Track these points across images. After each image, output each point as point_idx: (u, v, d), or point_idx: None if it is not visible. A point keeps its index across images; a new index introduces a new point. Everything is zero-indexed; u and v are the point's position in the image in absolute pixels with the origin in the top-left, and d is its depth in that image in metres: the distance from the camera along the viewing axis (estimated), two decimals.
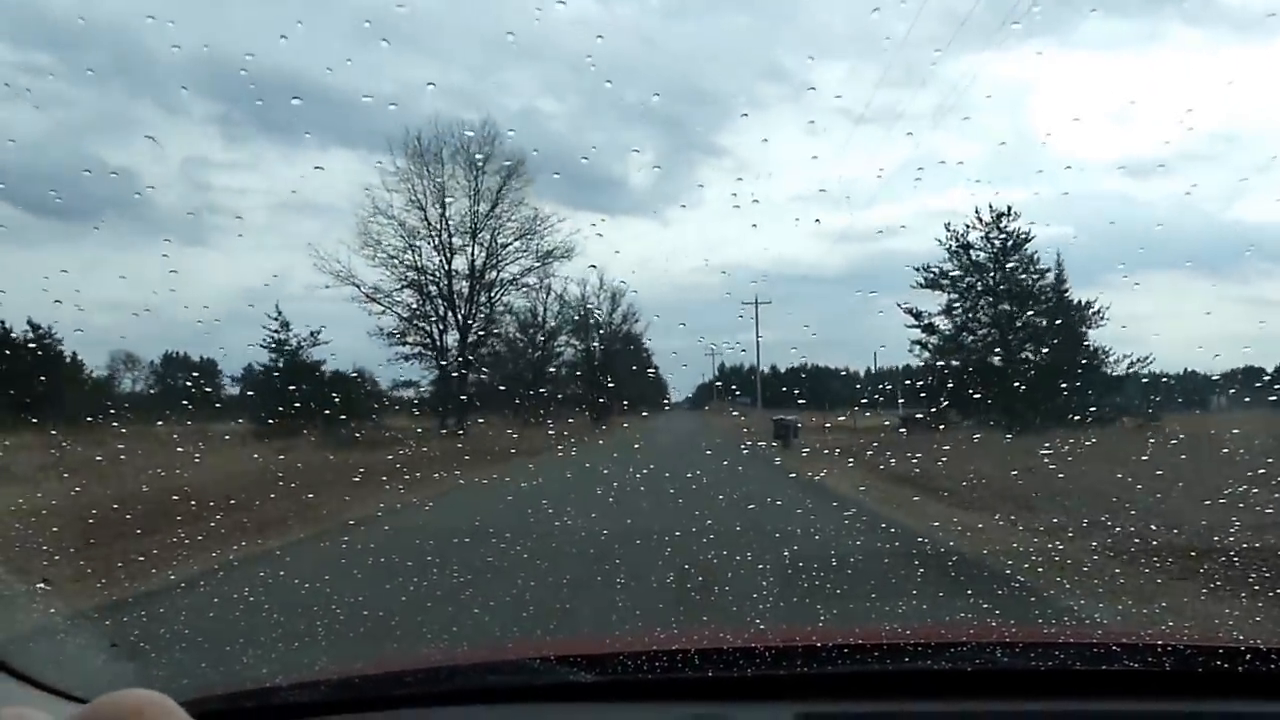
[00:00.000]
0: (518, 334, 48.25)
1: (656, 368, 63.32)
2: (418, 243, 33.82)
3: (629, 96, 61.34)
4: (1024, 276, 33.39)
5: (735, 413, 62.04)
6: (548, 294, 50.73)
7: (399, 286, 33.88)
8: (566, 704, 1.65)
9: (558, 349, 52.01)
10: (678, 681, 1.65)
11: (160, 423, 22.88)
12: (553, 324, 51.61)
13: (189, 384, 32.95)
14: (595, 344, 58.65)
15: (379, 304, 33.50)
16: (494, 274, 35.24)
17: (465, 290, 34.67)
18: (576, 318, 56.44)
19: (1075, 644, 1.76)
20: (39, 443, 17.02)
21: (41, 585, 5.80)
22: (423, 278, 33.96)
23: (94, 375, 34.18)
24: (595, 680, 1.64)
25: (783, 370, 66.46)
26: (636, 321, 59.01)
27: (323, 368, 29.84)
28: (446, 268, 34.12)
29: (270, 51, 32.18)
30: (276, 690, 1.66)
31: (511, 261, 35.44)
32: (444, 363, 34.59)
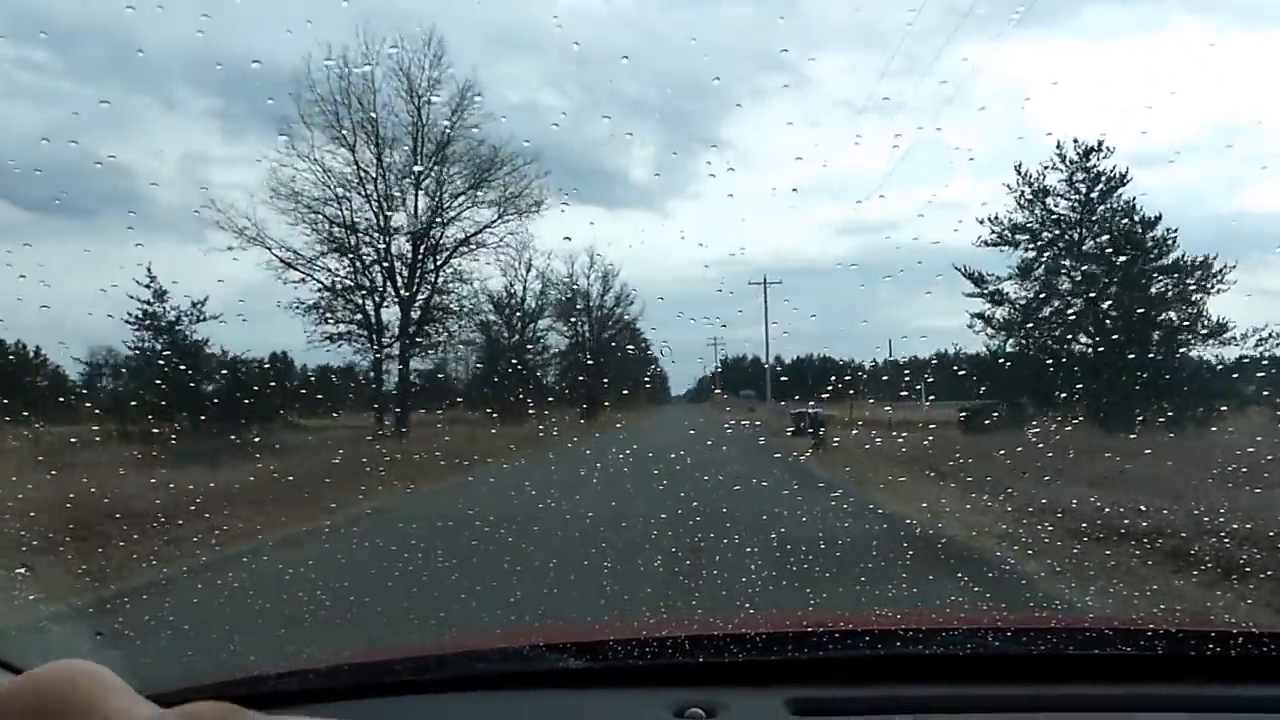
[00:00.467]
0: (492, 314, 41.21)
1: (656, 358, 57.09)
2: (347, 193, 26.55)
3: (629, 89, 59.24)
4: (1122, 229, 26.07)
5: (743, 406, 55.88)
6: (527, 269, 43.80)
7: (323, 251, 26.60)
8: (556, 690, 1.61)
9: (539, 333, 44.80)
10: (668, 667, 1.63)
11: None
12: (533, 304, 44.49)
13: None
14: (584, 329, 51.75)
15: (297, 270, 26.26)
16: (444, 232, 27.87)
17: (408, 254, 27.33)
18: (563, 299, 49.53)
19: (1067, 628, 1.75)
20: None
21: (21, 571, 5.56)
22: (353, 237, 26.64)
23: (58, 370, 27.52)
24: (585, 666, 1.62)
25: (788, 361, 62.81)
26: (631, 304, 52.02)
27: (207, 349, 22.64)
28: (382, 223, 26.82)
29: (270, 47, 25.62)
30: (265, 678, 1.64)
31: (463, 216, 28.07)
32: (382, 345, 27.28)
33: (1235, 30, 51.75)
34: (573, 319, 50.98)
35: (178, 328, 22.30)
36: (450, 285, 28.08)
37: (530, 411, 37.28)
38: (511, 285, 43.41)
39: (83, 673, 0.51)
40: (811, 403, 35.42)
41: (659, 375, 56.29)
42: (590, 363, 50.48)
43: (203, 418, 21.58)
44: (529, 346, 44.59)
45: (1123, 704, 1.54)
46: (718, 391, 67.91)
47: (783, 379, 56.46)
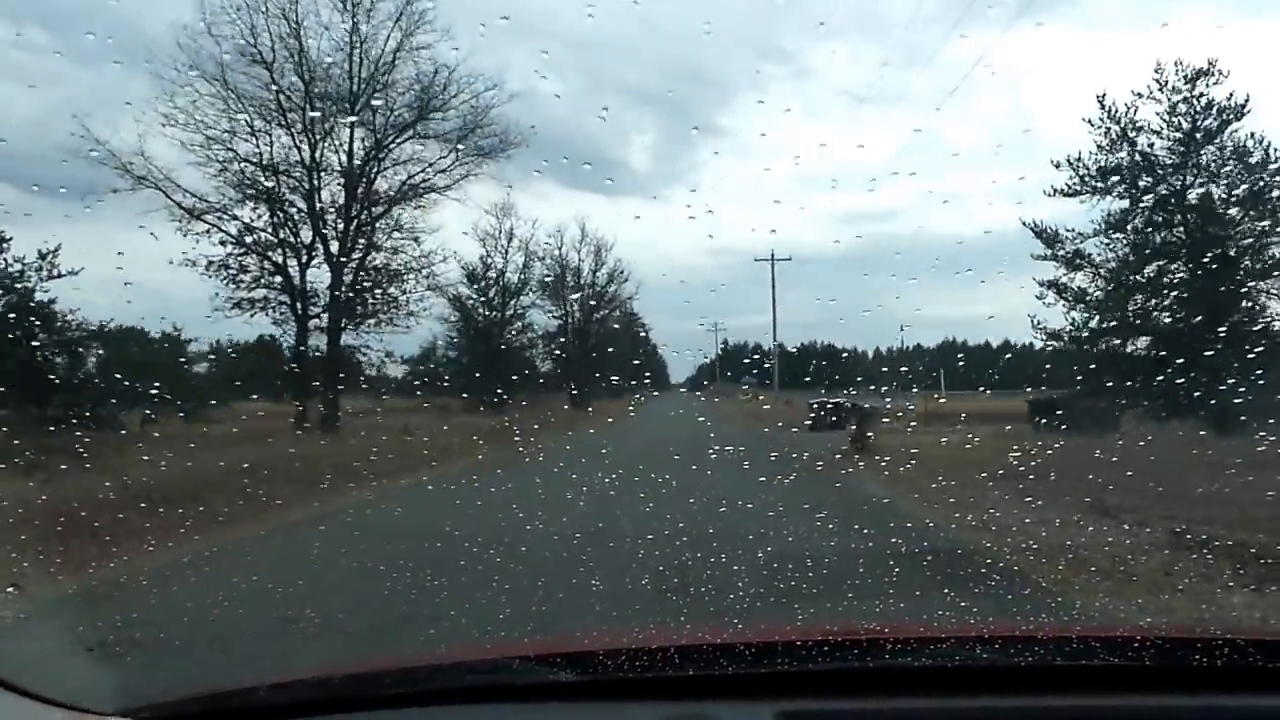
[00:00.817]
0: (465, 286, 35.87)
1: (652, 343, 52.03)
2: (266, 124, 21.11)
3: (630, 77, 58.95)
4: (1241, 171, 20.62)
5: (747, 396, 50.97)
6: (508, 239, 38.47)
7: (236, 198, 21.16)
8: (546, 703, 1.61)
9: (521, 309, 39.31)
10: (657, 680, 1.63)
11: None
12: (516, 279, 39.11)
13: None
14: (573, 308, 46.39)
15: (204, 221, 20.85)
16: (386, 174, 22.38)
17: (341, 200, 21.83)
18: (550, 275, 44.21)
19: (1054, 639, 1.73)
20: None
21: (11, 590, 5.28)
22: (273, 179, 21.20)
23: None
24: (575, 679, 1.62)
25: (790, 349, 60.61)
26: (625, 281, 46.71)
27: (59, 313, 17.20)
28: (309, 162, 21.34)
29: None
30: (256, 691, 1.63)
31: (409, 155, 22.57)
32: (307, 313, 21.82)
33: (1238, 20, 51.02)
34: (561, 296, 45.80)
35: (19, 285, 16.90)
36: (395, 241, 22.62)
37: (507, 400, 32.00)
38: (489, 255, 38.22)
39: None
40: (845, 393, 30.09)
41: (656, 361, 51.18)
42: (579, 346, 45.25)
43: (45, 404, 16.33)
44: (510, 326, 39.30)
45: (1110, 715, 1.54)
46: (719, 380, 64.25)
47: (789, 367, 52.32)
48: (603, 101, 55.62)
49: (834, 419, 26.18)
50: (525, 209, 47.16)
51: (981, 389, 32.04)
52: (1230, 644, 1.58)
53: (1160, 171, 21.14)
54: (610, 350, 45.42)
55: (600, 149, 55.70)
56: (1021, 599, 5.68)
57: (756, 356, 67.87)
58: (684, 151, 62.26)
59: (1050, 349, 21.14)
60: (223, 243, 20.70)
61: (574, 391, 41.94)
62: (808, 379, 52.86)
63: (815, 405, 28.88)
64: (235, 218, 21.11)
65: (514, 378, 37.18)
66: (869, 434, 18.21)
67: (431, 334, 37.95)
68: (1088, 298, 21.66)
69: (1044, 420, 20.31)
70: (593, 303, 47.40)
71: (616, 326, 49.77)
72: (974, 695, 1.53)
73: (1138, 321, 21.12)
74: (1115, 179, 20.70)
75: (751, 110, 68.98)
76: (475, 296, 36.82)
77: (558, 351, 46.10)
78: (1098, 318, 21.16)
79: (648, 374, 51.21)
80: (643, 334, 49.95)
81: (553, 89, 53.33)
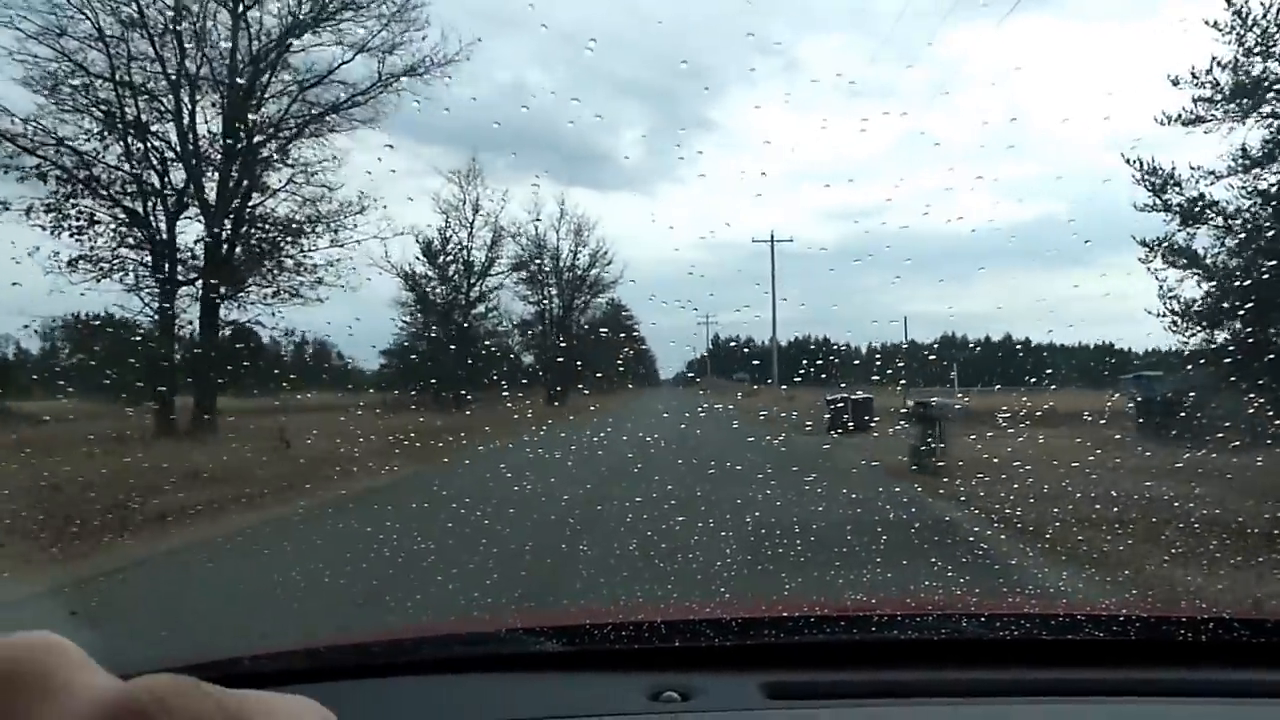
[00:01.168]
0: (423, 260, 30.57)
1: (640, 335, 46.79)
2: (124, 29, 15.69)
3: (620, 71, 54.83)
4: None
5: (744, 392, 46.23)
6: (474, 210, 33.14)
7: (93, 133, 15.72)
8: (532, 674, 1.61)
9: (488, 290, 33.85)
10: (643, 651, 1.62)
11: None
12: (481, 256, 33.71)
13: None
14: (551, 293, 41.04)
15: (37, 156, 15.41)
16: (277, 96, 16.90)
17: (219, 131, 16.32)
18: (525, 256, 38.86)
19: (1040, 614, 1.76)
20: None
21: None
22: (129, 99, 15.73)
23: None
24: (561, 650, 1.62)
25: (783, 343, 57.32)
26: (609, 263, 41.41)
27: None
28: (176, 75, 15.86)
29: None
30: (240, 660, 1.61)
31: (299, 64, 17.13)
32: (174, 280, 16.32)
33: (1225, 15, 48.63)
34: (537, 280, 40.45)
35: None
36: (297, 187, 17.15)
37: (464, 396, 26.67)
38: (449, 228, 32.82)
39: (44, 646, 0.47)
40: (857, 388, 24.94)
41: (644, 355, 46.10)
42: (558, 336, 40.00)
43: None
44: (473, 309, 33.90)
45: (1096, 688, 1.52)
46: (710, 375, 60.70)
47: (783, 362, 47.97)
48: (593, 95, 54.49)
49: (857, 419, 21.67)
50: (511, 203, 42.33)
51: (1021, 386, 28.28)
52: (1217, 620, 1.58)
53: None
54: (593, 341, 40.23)
55: (591, 144, 53.78)
56: None
57: (748, 351, 63.92)
58: (674, 145, 61.83)
59: (1176, 330, 15.92)
60: (42, 177, 15.20)
61: (551, 388, 36.64)
62: (806, 374, 48.84)
63: (833, 402, 23.88)
64: (75, 150, 15.65)
65: (485, 376, 31.93)
66: (938, 444, 13.00)
67: (405, 323, 32.69)
68: (1204, 261, 16.46)
69: (1162, 424, 15.19)
70: (573, 286, 42.18)
71: (601, 315, 44.52)
72: (959, 668, 1.53)
73: None
74: (1257, 98, 15.44)
75: (742, 104, 68.16)
76: (432, 275, 31.53)
77: (533, 342, 40.95)
78: (1229, 283, 15.92)
79: (636, 368, 46.06)
80: (628, 320, 44.64)
81: (542, 82, 50.94)
